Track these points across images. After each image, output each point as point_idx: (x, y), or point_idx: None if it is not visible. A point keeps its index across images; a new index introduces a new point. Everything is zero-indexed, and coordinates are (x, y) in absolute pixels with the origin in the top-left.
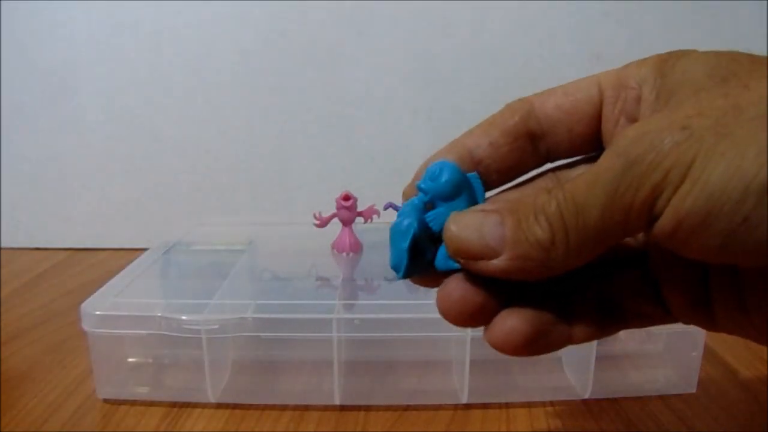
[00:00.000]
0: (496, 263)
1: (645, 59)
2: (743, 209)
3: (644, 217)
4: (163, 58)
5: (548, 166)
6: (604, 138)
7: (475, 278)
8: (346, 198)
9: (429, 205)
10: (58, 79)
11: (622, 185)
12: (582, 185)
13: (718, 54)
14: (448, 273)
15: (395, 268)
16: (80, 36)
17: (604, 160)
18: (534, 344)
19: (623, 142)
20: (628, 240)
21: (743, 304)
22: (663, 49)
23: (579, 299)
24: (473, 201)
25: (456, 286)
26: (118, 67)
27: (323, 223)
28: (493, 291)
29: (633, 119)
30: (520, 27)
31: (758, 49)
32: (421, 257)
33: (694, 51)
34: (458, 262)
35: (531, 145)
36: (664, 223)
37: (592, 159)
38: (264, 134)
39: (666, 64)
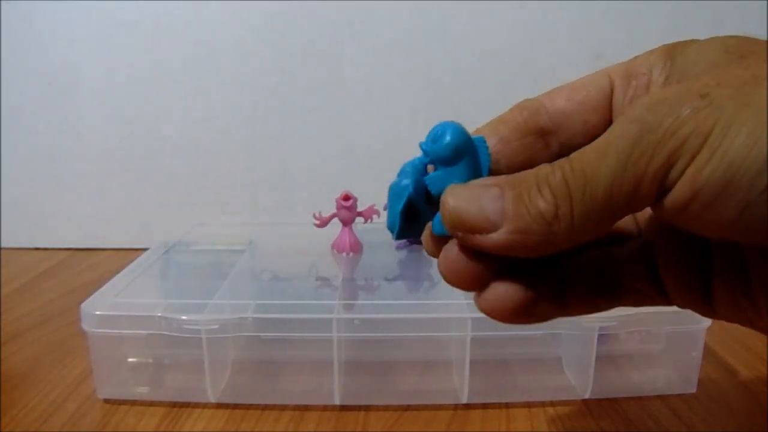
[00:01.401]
0: (495, 237)
1: (653, 49)
2: (764, 180)
3: (656, 188)
4: (163, 58)
5: None
6: None
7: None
8: (346, 198)
9: (430, 167)
10: (57, 79)
11: (635, 152)
12: (591, 154)
13: (729, 37)
14: (446, 238)
15: (390, 228)
16: (80, 36)
17: (617, 127)
18: (525, 312)
19: (638, 109)
20: (626, 223)
21: (747, 287)
22: None
23: (574, 270)
24: (477, 166)
25: (456, 251)
26: (118, 67)
27: (323, 223)
28: (492, 257)
29: None
30: (520, 27)
31: None
32: (416, 220)
33: (699, 40)
34: (455, 235)
35: (542, 142)
36: (679, 193)
37: None
38: (264, 134)
39: (675, 49)
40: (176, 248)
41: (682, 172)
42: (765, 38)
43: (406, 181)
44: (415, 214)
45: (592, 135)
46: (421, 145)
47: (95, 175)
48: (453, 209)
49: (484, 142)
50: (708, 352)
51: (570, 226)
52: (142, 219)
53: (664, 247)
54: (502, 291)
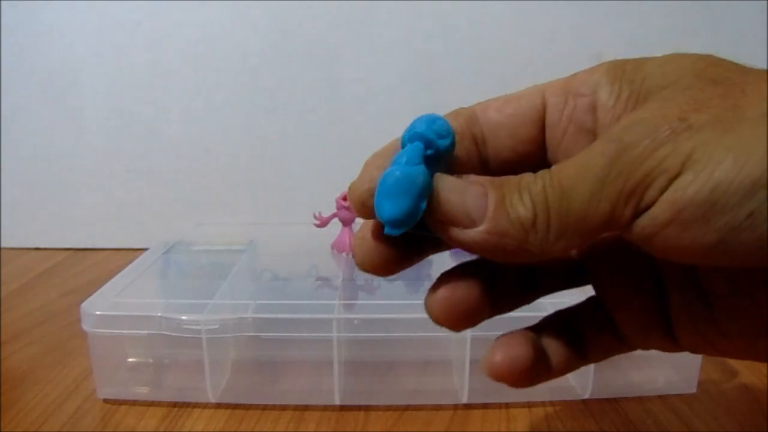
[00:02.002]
0: (472, 234)
1: (593, 67)
2: (750, 204)
3: (632, 208)
4: (163, 58)
5: None
6: (548, 147)
7: (461, 280)
8: (346, 198)
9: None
10: (58, 79)
11: (613, 171)
12: (571, 170)
13: (695, 58)
14: (424, 236)
15: (399, 221)
16: (80, 36)
17: (597, 145)
18: (535, 371)
19: (616, 129)
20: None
21: (711, 316)
22: (663, 49)
23: (550, 333)
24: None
25: (445, 287)
26: (118, 67)
27: (323, 223)
28: (481, 292)
29: (585, 128)
30: (520, 27)
31: (758, 49)
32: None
33: (654, 57)
34: (433, 225)
35: (476, 149)
36: (659, 212)
37: (533, 169)
38: (264, 134)
39: (623, 68)
40: (176, 248)
41: (661, 192)
42: (765, 38)
43: (424, 172)
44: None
45: (519, 149)
46: (424, 134)
47: (95, 175)
48: (436, 197)
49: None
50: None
51: (546, 236)
52: (142, 219)
53: (611, 287)
54: (516, 351)
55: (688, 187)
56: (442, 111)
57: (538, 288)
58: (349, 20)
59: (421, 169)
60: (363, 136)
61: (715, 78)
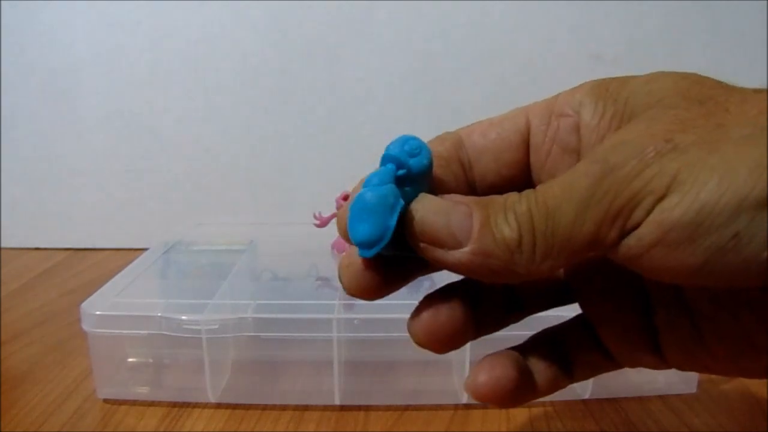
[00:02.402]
0: (458, 255)
1: (576, 87)
2: (735, 224)
3: (618, 228)
4: (163, 58)
5: None
6: (533, 169)
7: (444, 303)
8: (346, 198)
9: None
10: (58, 79)
11: (598, 192)
12: (556, 190)
13: (678, 77)
14: (410, 258)
15: (369, 242)
16: (80, 36)
17: (582, 165)
18: (520, 392)
19: (600, 150)
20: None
21: (697, 335)
22: (663, 49)
23: (536, 352)
24: (432, 191)
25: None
26: (118, 67)
27: (323, 223)
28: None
29: (569, 148)
30: (520, 27)
31: (758, 49)
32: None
33: (637, 76)
34: (416, 246)
35: (463, 173)
36: (645, 233)
37: (519, 189)
38: (264, 134)
39: (607, 88)
40: (176, 248)
41: (647, 213)
42: (765, 38)
43: (395, 193)
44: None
45: (504, 173)
46: (395, 155)
47: (95, 175)
48: (420, 219)
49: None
50: None
51: (531, 257)
52: (142, 219)
53: (598, 305)
54: (498, 372)
55: (675, 209)
56: (442, 110)
57: (523, 308)
58: (349, 20)
59: (390, 188)
60: (363, 136)
61: (699, 98)
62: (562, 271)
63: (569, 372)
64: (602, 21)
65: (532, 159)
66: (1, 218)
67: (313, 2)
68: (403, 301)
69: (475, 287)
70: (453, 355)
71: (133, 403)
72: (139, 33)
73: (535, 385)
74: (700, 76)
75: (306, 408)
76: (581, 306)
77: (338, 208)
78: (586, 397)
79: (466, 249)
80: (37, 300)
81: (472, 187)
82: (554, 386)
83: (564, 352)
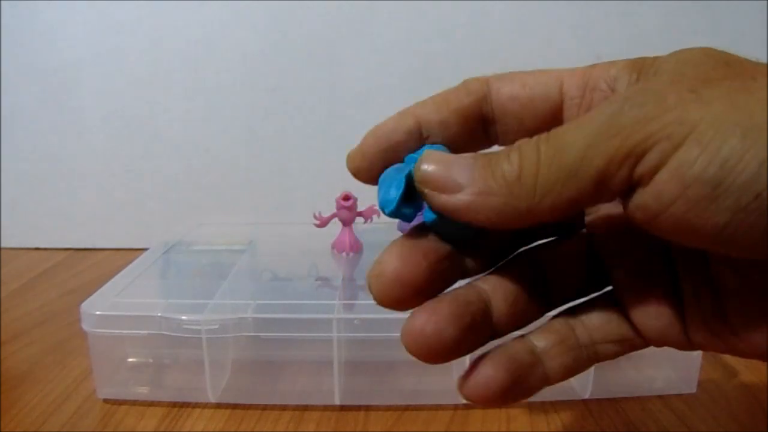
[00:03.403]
0: (459, 197)
1: (612, 62)
2: (758, 184)
3: (627, 170)
4: (163, 58)
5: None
6: None
7: (442, 309)
8: (346, 198)
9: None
10: (57, 79)
11: (613, 127)
12: (570, 125)
13: (708, 48)
14: (433, 227)
15: (387, 201)
16: (80, 36)
17: (601, 104)
18: (512, 392)
19: (622, 93)
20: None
21: (720, 309)
22: (663, 49)
23: (550, 337)
24: None
25: (428, 320)
26: (118, 67)
27: (323, 223)
28: (466, 329)
29: None
30: (520, 27)
31: (758, 49)
32: (412, 200)
33: (666, 55)
34: (423, 193)
35: (482, 129)
36: (665, 187)
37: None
38: (264, 134)
39: (642, 63)
40: (176, 248)
41: (663, 161)
42: (765, 38)
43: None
44: (411, 193)
45: (525, 137)
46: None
47: (95, 175)
48: (424, 167)
49: (447, 150)
50: (708, 352)
51: (531, 191)
52: (142, 219)
53: (628, 281)
54: (484, 373)
55: (695, 163)
56: None
57: (554, 300)
58: (349, 20)
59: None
60: (363, 136)
61: (727, 60)
62: (597, 248)
63: (592, 355)
64: (602, 21)
65: None
66: (1, 218)
67: (313, 2)
68: None
69: (507, 286)
70: None
71: (133, 403)
72: (139, 33)
73: (544, 375)
74: (727, 53)
75: (306, 408)
76: (614, 284)
77: (338, 208)
78: (586, 397)
79: (467, 190)
80: (37, 300)
81: (492, 142)
82: (572, 371)
83: (586, 333)
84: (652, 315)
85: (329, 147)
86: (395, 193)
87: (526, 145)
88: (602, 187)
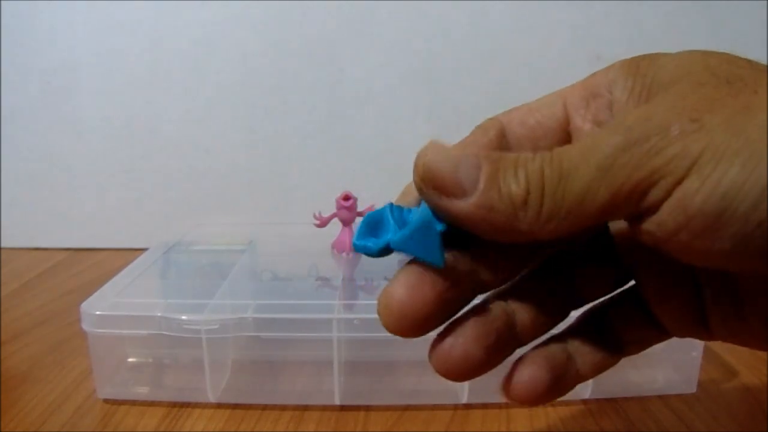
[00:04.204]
0: (462, 204)
1: (609, 66)
2: (759, 212)
3: (633, 203)
4: (163, 58)
5: None
6: None
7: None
8: (346, 198)
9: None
10: (57, 79)
11: (618, 161)
12: (574, 152)
13: (708, 54)
14: (444, 234)
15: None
16: (80, 36)
17: (603, 132)
18: (553, 390)
19: (626, 120)
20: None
21: (740, 311)
22: (663, 49)
23: (579, 336)
24: None
25: (454, 343)
26: (117, 67)
27: (323, 223)
28: (491, 345)
29: (602, 124)
30: (520, 27)
31: (758, 49)
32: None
33: (667, 53)
34: (420, 191)
35: None
36: (668, 220)
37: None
38: (264, 134)
39: (638, 64)
40: (176, 248)
41: (667, 194)
42: (765, 38)
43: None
44: (377, 225)
45: None
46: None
47: (95, 175)
48: (429, 162)
49: None
50: (708, 352)
51: (536, 217)
52: (142, 219)
53: (653, 283)
54: (528, 374)
55: (696, 195)
56: (442, 110)
57: (576, 301)
58: (349, 20)
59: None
60: (363, 136)
61: (728, 76)
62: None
63: (619, 349)
64: (602, 21)
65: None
66: (1, 218)
67: (313, 2)
68: None
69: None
70: None
71: (133, 403)
72: (139, 33)
73: (577, 373)
74: (730, 54)
75: (306, 408)
76: (638, 285)
77: (338, 208)
78: (586, 397)
79: (471, 200)
80: (37, 300)
81: None
82: (602, 367)
83: (612, 329)
84: (676, 317)
85: (329, 147)
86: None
87: (531, 163)
88: (607, 217)
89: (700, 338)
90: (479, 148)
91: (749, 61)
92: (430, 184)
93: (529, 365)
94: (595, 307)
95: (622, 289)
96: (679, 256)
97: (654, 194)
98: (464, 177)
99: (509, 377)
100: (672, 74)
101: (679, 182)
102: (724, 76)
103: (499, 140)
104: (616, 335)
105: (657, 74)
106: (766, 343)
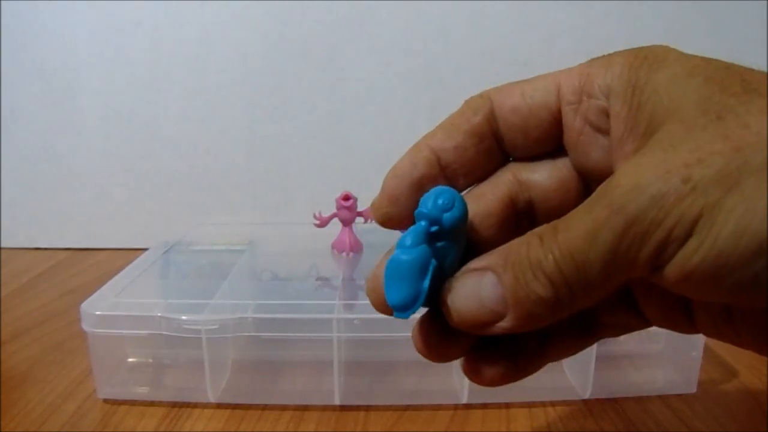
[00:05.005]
0: (503, 325)
1: (611, 60)
2: (754, 266)
3: (648, 269)
4: (163, 58)
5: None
6: (567, 143)
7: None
8: (346, 198)
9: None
10: (58, 79)
11: (623, 243)
12: (578, 240)
13: (704, 78)
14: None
15: (403, 305)
16: (80, 36)
17: (600, 212)
18: (517, 373)
19: (618, 194)
20: None
21: (728, 314)
22: None
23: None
24: (465, 232)
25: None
26: (118, 67)
27: (323, 223)
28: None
29: (600, 128)
30: (520, 27)
31: (758, 49)
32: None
33: (667, 58)
34: (465, 330)
35: (496, 145)
36: (670, 274)
37: (552, 156)
38: (264, 134)
39: (637, 74)
40: (176, 248)
41: (673, 255)
42: (765, 38)
43: (426, 254)
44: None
45: (533, 147)
46: (428, 214)
47: (95, 175)
48: (456, 311)
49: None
50: (708, 352)
51: (572, 303)
52: (142, 219)
53: (644, 286)
54: (492, 374)
55: (694, 255)
56: (442, 111)
57: (591, 327)
58: (349, 20)
59: (422, 249)
60: (363, 136)
61: (718, 110)
62: None
63: (591, 332)
64: (602, 21)
65: (566, 134)
66: (1, 218)
67: (313, 2)
68: None
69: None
70: None
71: (133, 403)
72: (139, 33)
73: (544, 354)
74: (726, 72)
75: (306, 408)
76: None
77: (338, 208)
78: (586, 397)
79: (509, 318)
80: (37, 300)
81: (506, 157)
82: (571, 349)
83: (587, 314)
84: (662, 312)
85: (329, 147)
86: (412, 299)
87: (545, 263)
88: (630, 279)
89: (684, 331)
90: (463, 133)
91: (742, 83)
92: (468, 326)
93: (491, 349)
94: None
95: None
96: (687, 295)
97: (664, 258)
98: (491, 303)
99: (472, 356)
100: (664, 108)
101: (680, 246)
102: (715, 112)
103: (488, 122)
104: (591, 317)
105: (651, 99)
106: (752, 345)
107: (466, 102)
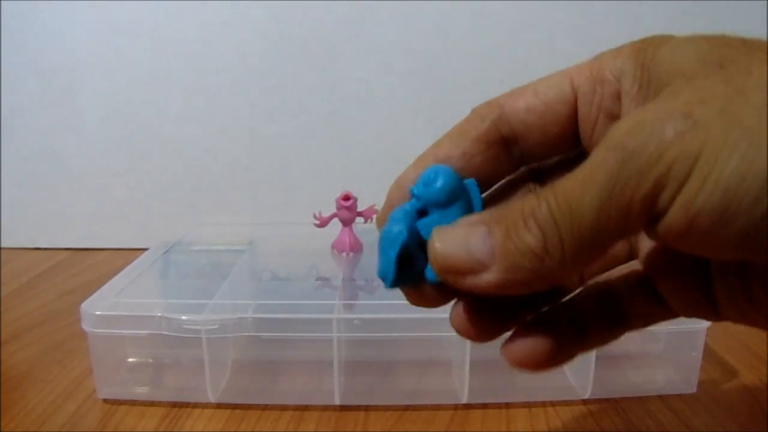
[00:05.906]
0: (487, 277)
1: (619, 49)
2: (763, 203)
3: (645, 215)
4: (163, 58)
5: (523, 169)
6: (582, 138)
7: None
8: (346, 198)
9: (422, 212)
10: (58, 79)
11: (619, 181)
12: (575, 185)
13: (705, 38)
14: (440, 285)
15: (383, 277)
16: (80, 36)
17: (598, 155)
18: (556, 358)
19: (617, 134)
20: (618, 250)
21: (749, 290)
22: None
23: (587, 308)
24: (469, 209)
25: (464, 308)
26: (118, 67)
27: (323, 223)
28: (503, 305)
29: (614, 116)
30: (520, 27)
31: None
32: (410, 267)
33: (673, 37)
34: (446, 281)
35: (505, 151)
36: (674, 222)
37: (571, 160)
38: (264, 134)
39: (645, 52)
40: (176, 248)
41: (673, 199)
42: (765, 38)
43: (399, 227)
44: (409, 261)
45: (552, 145)
46: (412, 191)
47: (95, 175)
48: (441, 253)
49: (475, 184)
50: (708, 352)
51: (561, 259)
52: (142, 219)
53: (662, 267)
54: (530, 346)
55: (698, 195)
56: (442, 111)
57: (623, 317)
58: (349, 20)
59: (394, 221)
60: (363, 136)
61: (720, 61)
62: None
63: (622, 321)
64: (602, 21)
65: (581, 128)
66: (1, 218)
67: (313, 2)
68: (404, 301)
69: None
70: (453, 354)
71: (133, 403)
72: (139, 33)
73: (580, 342)
74: (726, 37)
75: (306, 408)
76: (642, 260)
77: (338, 208)
78: (586, 397)
79: (494, 269)
80: (37, 300)
81: (517, 163)
82: (606, 338)
83: (617, 304)
84: (682, 296)
85: (329, 147)
86: (387, 270)
87: (538, 210)
88: (624, 233)
89: (708, 319)
90: (470, 141)
91: (743, 41)
92: (451, 271)
93: (533, 331)
94: (600, 278)
95: (628, 264)
96: (690, 251)
97: (662, 200)
98: (478, 252)
99: (511, 340)
100: (667, 70)
101: (681, 186)
102: (717, 62)
103: (497, 127)
104: (621, 307)
105: (656, 69)
106: None
107: (474, 110)
